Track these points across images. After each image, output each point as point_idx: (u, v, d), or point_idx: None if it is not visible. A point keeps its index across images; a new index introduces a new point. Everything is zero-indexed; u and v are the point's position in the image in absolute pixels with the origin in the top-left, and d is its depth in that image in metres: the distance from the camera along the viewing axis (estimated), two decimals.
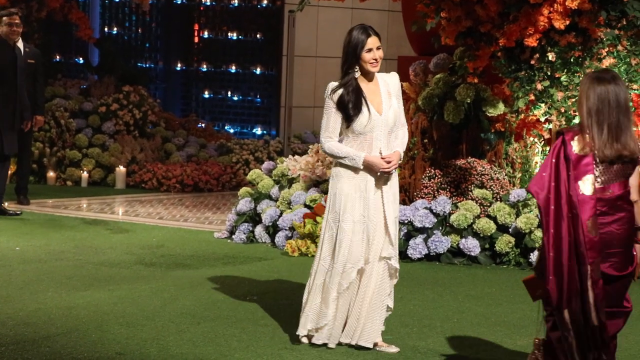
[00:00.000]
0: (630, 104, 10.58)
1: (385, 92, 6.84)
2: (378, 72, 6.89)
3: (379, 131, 6.75)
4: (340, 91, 6.72)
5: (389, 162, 6.73)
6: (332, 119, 6.71)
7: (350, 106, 6.67)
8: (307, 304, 6.94)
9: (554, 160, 5.71)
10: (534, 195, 5.73)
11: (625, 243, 5.74)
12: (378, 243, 6.83)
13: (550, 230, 5.64)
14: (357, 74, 6.79)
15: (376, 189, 6.79)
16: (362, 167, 6.71)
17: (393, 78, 6.95)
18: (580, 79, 5.96)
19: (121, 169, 15.61)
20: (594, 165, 5.68)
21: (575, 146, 5.70)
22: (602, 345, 5.71)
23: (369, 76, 6.84)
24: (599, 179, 5.68)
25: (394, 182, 6.90)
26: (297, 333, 6.98)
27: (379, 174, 6.74)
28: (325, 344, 6.87)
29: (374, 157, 6.73)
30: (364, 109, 6.71)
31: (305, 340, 6.96)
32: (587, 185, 5.65)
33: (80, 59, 18.56)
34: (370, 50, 6.74)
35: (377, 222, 6.78)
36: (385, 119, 6.78)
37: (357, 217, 6.76)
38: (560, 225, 5.62)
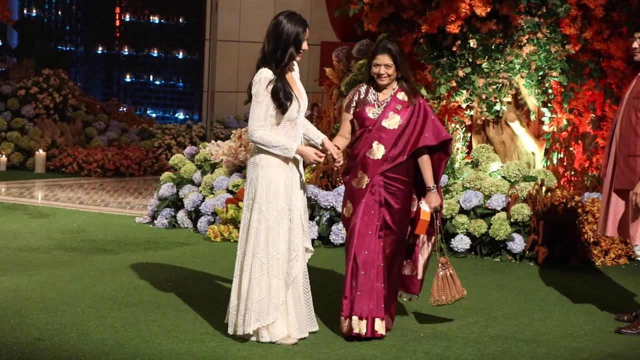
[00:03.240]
0: (550, 91, 10.78)
1: (297, 78, 6.87)
2: None
3: (301, 116, 6.80)
4: (275, 82, 6.65)
5: (328, 153, 6.82)
6: (264, 108, 6.64)
7: (284, 95, 6.64)
8: (248, 300, 6.61)
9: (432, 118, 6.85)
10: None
11: None
12: (299, 232, 6.81)
13: None
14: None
15: (295, 179, 6.81)
16: (292, 157, 6.71)
17: (295, 65, 6.97)
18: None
19: (41, 152, 15.42)
20: None
21: None
22: None
23: (292, 64, 6.84)
24: None
25: (302, 171, 6.93)
26: (239, 332, 6.64)
27: (312, 163, 6.76)
28: (282, 342, 6.64)
29: (305, 147, 6.74)
30: (293, 96, 6.71)
31: (254, 338, 6.67)
32: None
33: None
34: (305, 41, 6.72)
35: (296, 212, 6.78)
36: (305, 104, 6.83)
37: (293, 206, 6.73)
38: None
